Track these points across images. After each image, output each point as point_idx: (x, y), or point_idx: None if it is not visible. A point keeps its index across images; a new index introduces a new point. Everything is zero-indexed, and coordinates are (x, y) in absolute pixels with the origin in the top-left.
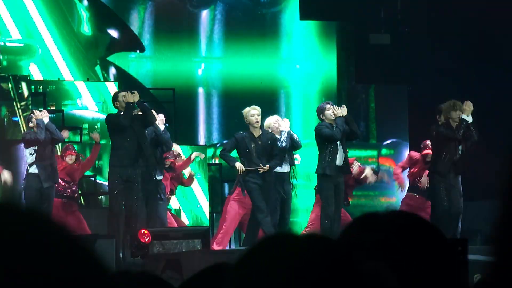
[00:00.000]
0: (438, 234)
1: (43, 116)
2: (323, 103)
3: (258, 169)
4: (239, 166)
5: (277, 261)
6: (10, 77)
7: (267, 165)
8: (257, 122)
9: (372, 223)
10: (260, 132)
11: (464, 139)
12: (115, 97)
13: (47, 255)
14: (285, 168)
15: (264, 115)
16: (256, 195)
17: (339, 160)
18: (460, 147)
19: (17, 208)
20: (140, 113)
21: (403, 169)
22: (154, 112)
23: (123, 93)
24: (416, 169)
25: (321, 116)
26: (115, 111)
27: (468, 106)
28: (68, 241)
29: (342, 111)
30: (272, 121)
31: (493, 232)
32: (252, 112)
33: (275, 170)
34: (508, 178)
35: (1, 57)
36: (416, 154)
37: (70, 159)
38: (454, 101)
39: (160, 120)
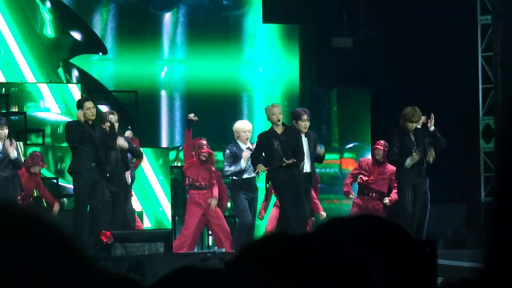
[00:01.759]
0: (406, 236)
1: (11, 151)
2: (301, 109)
3: (284, 164)
4: (258, 167)
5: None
6: None
7: (292, 159)
8: (279, 120)
9: (340, 227)
10: (283, 129)
11: (424, 150)
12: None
13: (44, 255)
14: (251, 174)
15: (226, 118)
16: (284, 194)
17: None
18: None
19: (13, 208)
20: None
21: (354, 177)
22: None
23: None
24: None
25: (294, 121)
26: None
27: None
28: (64, 241)
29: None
30: (243, 128)
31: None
32: (274, 111)
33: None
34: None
35: None
36: (363, 159)
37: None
38: (414, 110)
39: (129, 134)
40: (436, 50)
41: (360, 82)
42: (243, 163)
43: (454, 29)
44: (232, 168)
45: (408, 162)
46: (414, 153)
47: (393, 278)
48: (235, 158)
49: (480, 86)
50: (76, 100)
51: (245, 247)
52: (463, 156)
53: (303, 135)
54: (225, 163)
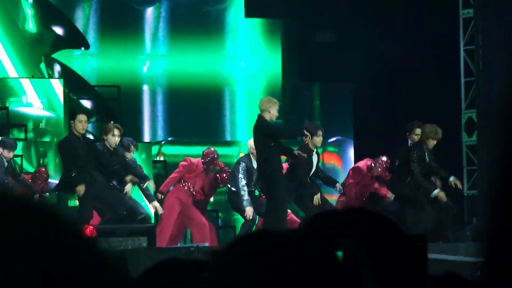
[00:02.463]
0: (397, 229)
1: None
2: (317, 126)
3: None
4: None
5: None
6: None
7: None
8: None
9: (329, 220)
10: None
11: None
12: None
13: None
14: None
15: (208, 113)
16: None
17: None
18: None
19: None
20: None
21: (354, 184)
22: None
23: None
24: (363, 182)
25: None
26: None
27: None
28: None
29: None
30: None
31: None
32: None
33: None
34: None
35: None
36: (362, 166)
37: None
38: (436, 128)
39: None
40: (418, 44)
41: (343, 77)
42: (247, 208)
43: (437, 23)
44: (245, 197)
45: (434, 193)
46: (439, 192)
47: (384, 272)
48: (249, 172)
49: (462, 80)
50: (59, 96)
51: (234, 241)
52: (445, 149)
53: (314, 151)
54: (240, 175)
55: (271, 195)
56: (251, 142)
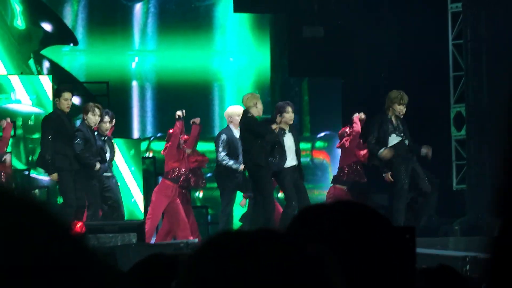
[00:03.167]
0: (385, 221)
1: None
2: (285, 103)
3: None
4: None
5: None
6: None
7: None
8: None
9: (315, 214)
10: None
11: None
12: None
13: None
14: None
15: (197, 108)
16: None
17: None
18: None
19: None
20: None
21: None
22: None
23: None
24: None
25: (279, 115)
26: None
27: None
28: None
29: None
30: (238, 112)
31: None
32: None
33: None
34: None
35: None
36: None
37: None
38: (401, 93)
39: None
40: (407, 39)
41: (332, 72)
42: (239, 166)
43: (425, 17)
44: (230, 162)
45: (381, 153)
46: (385, 150)
47: (372, 264)
48: (230, 143)
49: (451, 74)
50: (48, 92)
51: (209, 239)
52: (434, 144)
53: (287, 129)
54: (220, 148)
55: (258, 189)
56: (229, 111)
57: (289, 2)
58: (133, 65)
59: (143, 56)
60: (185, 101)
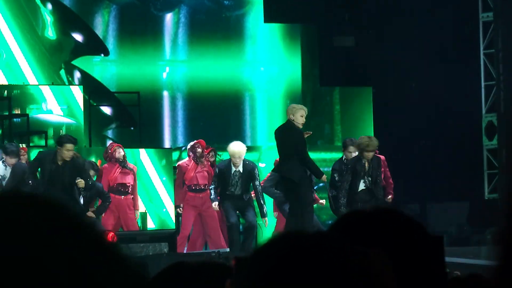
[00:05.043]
0: (423, 230)
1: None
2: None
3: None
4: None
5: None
6: None
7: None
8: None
9: (354, 221)
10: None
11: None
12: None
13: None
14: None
15: (229, 118)
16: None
17: None
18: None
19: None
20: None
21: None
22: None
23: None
24: None
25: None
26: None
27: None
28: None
29: None
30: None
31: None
32: (302, 113)
33: None
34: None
35: None
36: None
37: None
38: (370, 140)
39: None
40: (437, 48)
41: (362, 81)
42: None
43: (456, 26)
44: (211, 190)
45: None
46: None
47: (404, 272)
48: (221, 176)
49: (483, 84)
50: (79, 102)
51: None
52: (466, 153)
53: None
54: (214, 178)
55: (296, 198)
56: (237, 150)
57: (320, 12)
58: (164, 75)
59: (174, 66)
60: (215, 111)
